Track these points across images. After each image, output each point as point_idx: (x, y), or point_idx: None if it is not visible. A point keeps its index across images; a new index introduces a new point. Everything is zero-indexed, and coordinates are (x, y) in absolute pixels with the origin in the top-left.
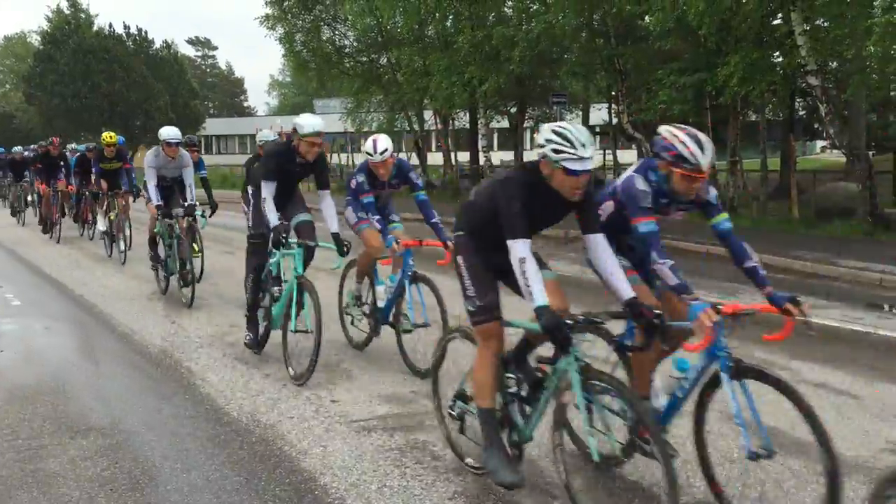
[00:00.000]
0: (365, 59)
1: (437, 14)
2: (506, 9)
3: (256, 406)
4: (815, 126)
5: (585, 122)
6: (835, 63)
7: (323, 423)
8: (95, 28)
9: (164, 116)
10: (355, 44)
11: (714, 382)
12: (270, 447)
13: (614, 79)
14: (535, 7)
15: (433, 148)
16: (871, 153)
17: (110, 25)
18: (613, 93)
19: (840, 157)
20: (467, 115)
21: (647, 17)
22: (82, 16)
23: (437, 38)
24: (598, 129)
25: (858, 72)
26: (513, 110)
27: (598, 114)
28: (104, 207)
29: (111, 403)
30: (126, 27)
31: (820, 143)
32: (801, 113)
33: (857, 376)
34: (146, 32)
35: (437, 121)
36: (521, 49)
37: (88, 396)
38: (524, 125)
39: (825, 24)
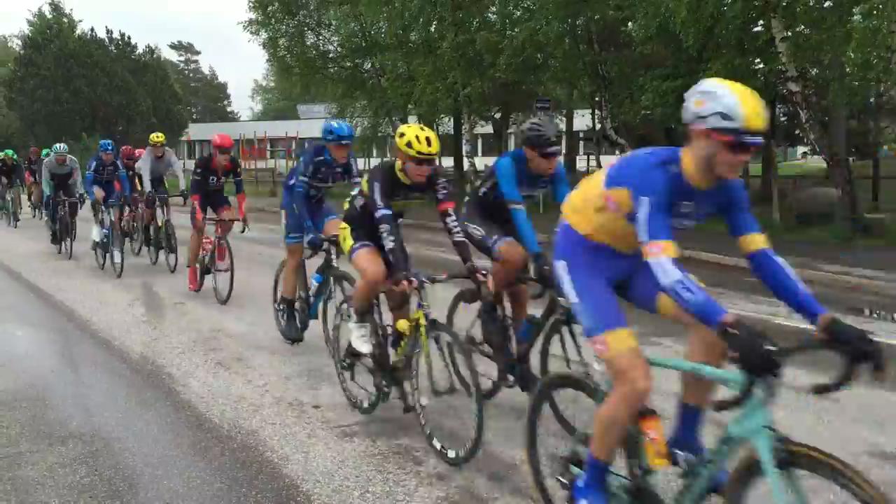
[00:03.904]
0: (349, 64)
1: (421, 19)
2: (489, 14)
3: (238, 412)
4: (796, 132)
5: (569, 127)
6: (815, 69)
7: (305, 429)
8: (78, 33)
9: (147, 121)
10: (339, 49)
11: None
12: (252, 453)
13: (598, 85)
14: (518, 13)
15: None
16: (851, 159)
17: (92, 30)
18: (597, 98)
19: (820, 162)
20: (451, 120)
21: (629, 24)
22: (65, 21)
23: (421, 43)
24: (581, 135)
25: (838, 78)
26: (497, 116)
27: (582, 120)
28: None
29: (91, 410)
30: (109, 32)
31: (801, 149)
32: (782, 119)
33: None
34: (129, 37)
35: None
36: (506, 56)
37: (68, 403)
38: (508, 130)
39: (805, 31)
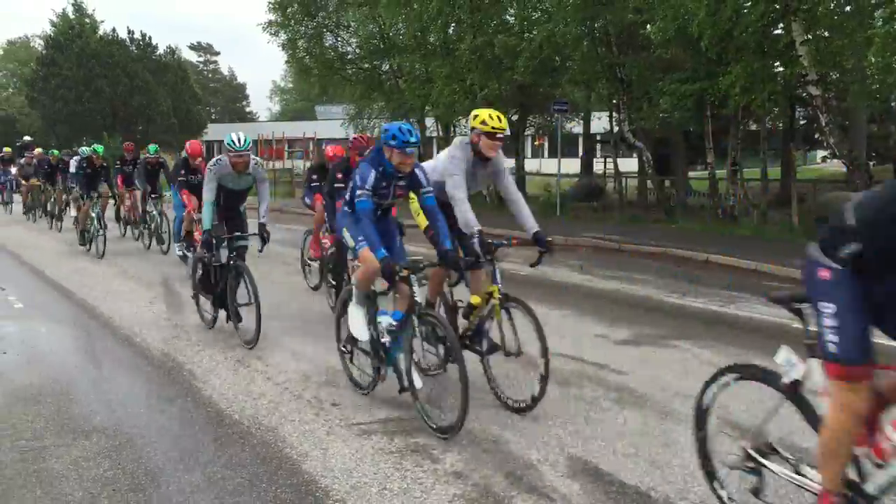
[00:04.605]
0: (367, 65)
1: (440, 21)
2: (507, 16)
3: (258, 409)
4: (816, 136)
5: (587, 130)
6: (835, 73)
7: (324, 426)
8: (100, 33)
9: (167, 122)
10: (357, 50)
11: None
12: (271, 449)
13: (615, 87)
14: (536, 15)
15: (435, 155)
16: (871, 163)
17: (114, 31)
18: (615, 101)
19: (840, 166)
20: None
21: (648, 27)
22: (87, 21)
23: (439, 45)
24: (598, 138)
25: (858, 82)
26: (514, 118)
27: (600, 122)
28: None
29: (114, 406)
30: (130, 32)
31: (820, 153)
32: (802, 122)
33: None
34: (150, 38)
35: (439, 128)
36: (524, 58)
37: (91, 399)
38: (525, 133)
39: (826, 35)
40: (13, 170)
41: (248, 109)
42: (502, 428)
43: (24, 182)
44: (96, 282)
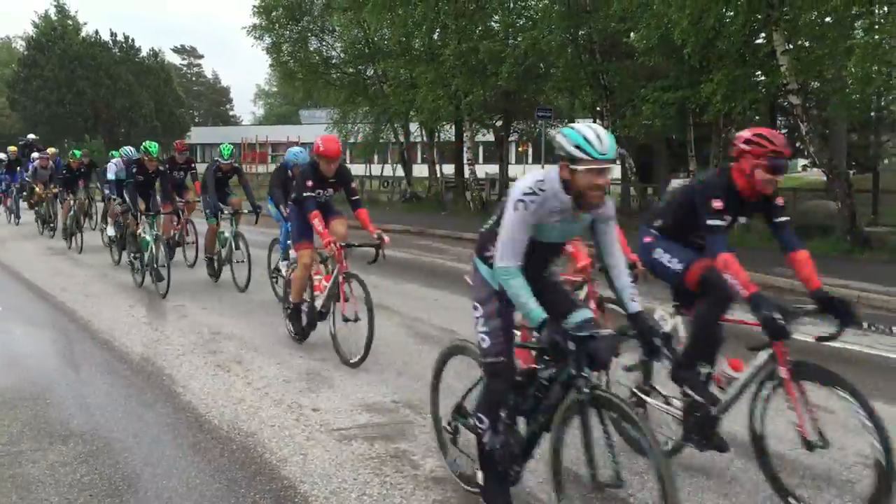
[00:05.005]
0: (352, 70)
1: (424, 27)
2: (492, 23)
3: (237, 414)
4: (796, 144)
5: None
6: (816, 83)
7: (304, 432)
8: (82, 35)
9: (149, 124)
10: (342, 55)
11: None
12: (251, 455)
13: (599, 94)
14: (521, 22)
15: (419, 160)
16: (850, 172)
17: (96, 33)
18: (598, 108)
19: (820, 175)
20: (453, 127)
21: (631, 35)
22: (69, 23)
23: (423, 50)
24: None
25: (839, 92)
26: (498, 124)
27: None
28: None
29: (92, 410)
30: (113, 35)
31: (801, 161)
32: (783, 131)
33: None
34: (133, 40)
35: (423, 133)
36: (508, 65)
37: (69, 403)
38: (509, 139)
39: (806, 45)
40: (26, 172)
41: (231, 113)
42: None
43: (36, 189)
44: (75, 285)
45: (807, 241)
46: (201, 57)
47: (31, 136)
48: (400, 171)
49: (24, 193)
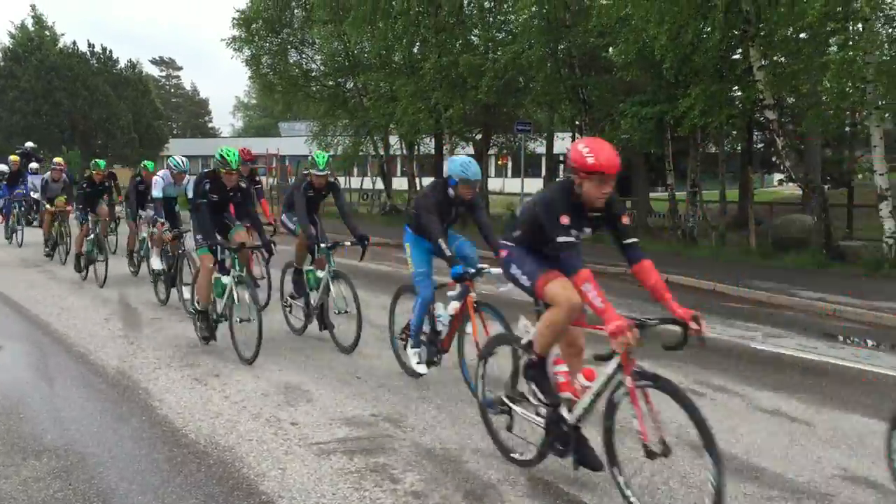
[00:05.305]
0: (331, 82)
1: (405, 40)
2: (472, 37)
3: (215, 428)
4: (773, 159)
5: (549, 150)
6: (791, 98)
7: (282, 446)
8: (59, 46)
9: (126, 136)
10: (322, 67)
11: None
12: (228, 469)
13: (578, 109)
14: (501, 37)
15: (399, 173)
16: (826, 187)
17: (74, 43)
18: (577, 122)
19: (796, 189)
20: (432, 140)
21: (610, 49)
22: (47, 34)
23: (403, 63)
24: (562, 158)
25: (814, 107)
26: (478, 137)
27: (563, 143)
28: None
29: (66, 424)
30: (90, 46)
31: (777, 176)
32: (759, 146)
33: (810, 404)
34: (111, 51)
35: (403, 146)
36: (488, 78)
37: (42, 417)
38: (489, 152)
39: (782, 60)
40: (29, 185)
41: (210, 125)
42: (461, 448)
43: (47, 206)
44: (50, 297)
45: (783, 254)
46: (180, 68)
47: (30, 143)
48: (380, 184)
49: (34, 213)
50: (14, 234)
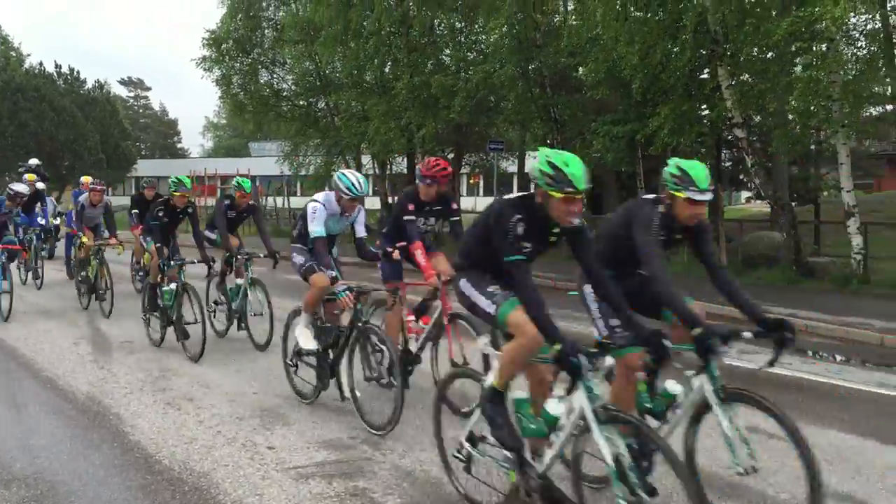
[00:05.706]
0: (303, 102)
1: (376, 60)
2: (444, 57)
3: (189, 453)
4: (741, 177)
5: (521, 169)
6: (759, 117)
7: (259, 471)
8: (25, 66)
9: (94, 157)
10: (293, 87)
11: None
12: (204, 496)
13: (550, 127)
14: (472, 56)
15: (371, 192)
16: (793, 204)
17: (41, 64)
18: (549, 141)
19: (764, 206)
20: (405, 160)
21: (580, 69)
22: (12, 54)
23: (375, 83)
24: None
25: (781, 125)
26: (450, 156)
27: (535, 161)
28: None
29: (35, 452)
30: (57, 66)
31: (745, 194)
32: (728, 164)
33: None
34: (78, 72)
35: (375, 165)
36: (460, 98)
37: (10, 445)
38: (461, 171)
39: (749, 80)
40: (50, 210)
41: (179, 145)
42: (442, 470)
43: (84, 240)
44: (17, 321)
45: (753, 271)
46: (149, 89)
47: (34, 160)
48: None
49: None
50: (29, 273)
